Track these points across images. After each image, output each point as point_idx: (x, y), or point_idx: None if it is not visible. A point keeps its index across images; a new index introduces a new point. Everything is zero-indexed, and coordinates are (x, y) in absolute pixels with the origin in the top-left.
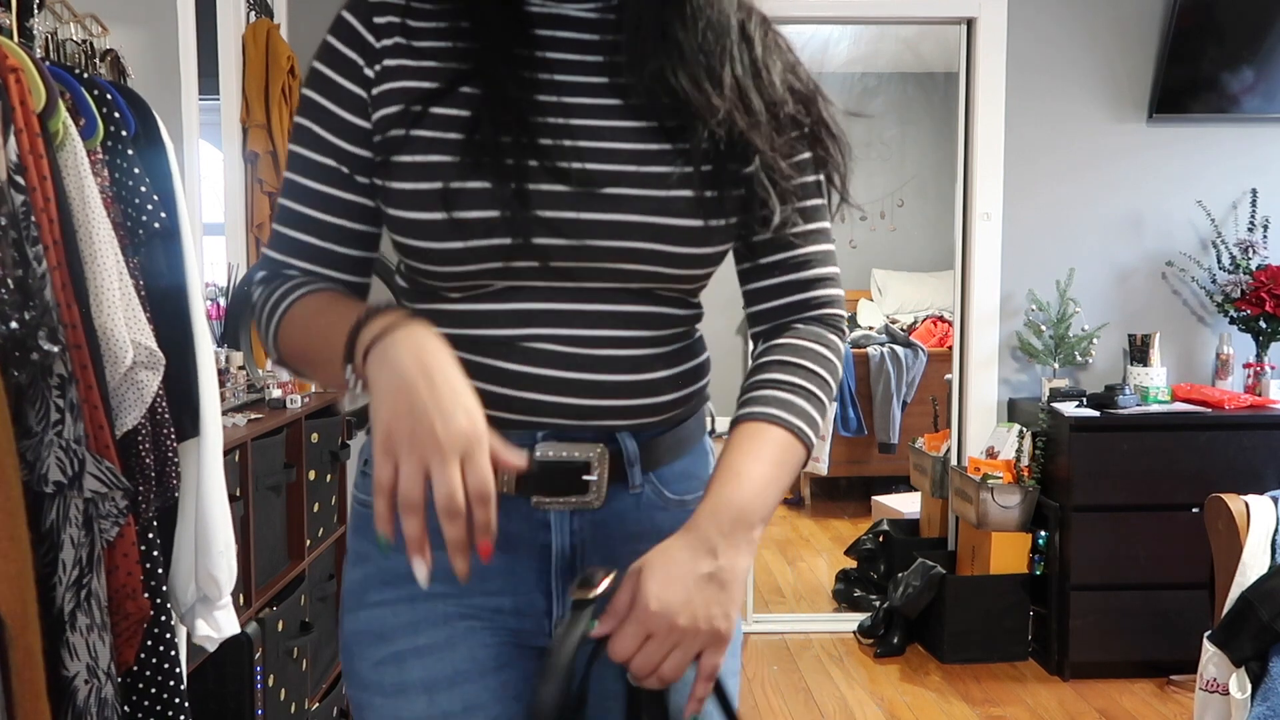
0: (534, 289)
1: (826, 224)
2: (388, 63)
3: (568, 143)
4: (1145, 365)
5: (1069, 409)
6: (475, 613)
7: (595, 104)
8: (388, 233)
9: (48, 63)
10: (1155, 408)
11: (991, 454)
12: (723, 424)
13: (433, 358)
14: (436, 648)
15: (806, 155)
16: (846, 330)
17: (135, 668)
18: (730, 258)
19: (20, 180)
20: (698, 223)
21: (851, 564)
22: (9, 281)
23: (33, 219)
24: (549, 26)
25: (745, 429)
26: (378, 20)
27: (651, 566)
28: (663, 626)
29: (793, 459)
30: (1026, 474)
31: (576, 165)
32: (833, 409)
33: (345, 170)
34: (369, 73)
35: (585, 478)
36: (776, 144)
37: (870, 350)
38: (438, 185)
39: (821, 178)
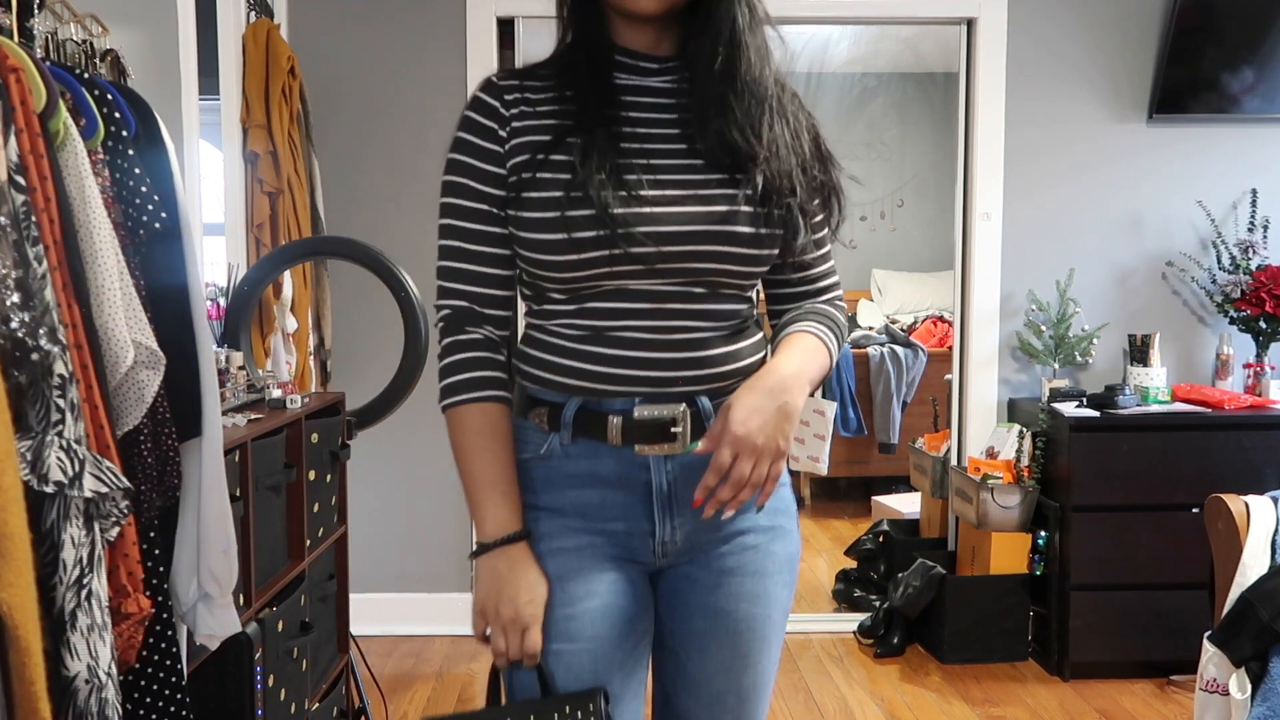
0: (626, 291)
1: (829, 248)
2: (515, 125)
3: (646, 177)
4: (1145, 365)
5: (1069, 409)
6: (598, 531)
7: (669, 148)
8: (520, 252)
9: (48, 63)
10: (1155, 408)
11: (991, 454)
12: None
13: (517, 564)
14: (568, 551)
15: (818, 199)
16: (846, 318)
17: (136, 666)
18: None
19: (21, 180)
20: (749, 230)
21: (851, 564)
22: (9, 281)
23: (33, 219)
24: (634, 94)
25: (784, 339)
26: (506, 96)
27: (735, 404)
28: (747, 446)
29: (820, 354)
30: (1026, 474)
31: (654, 193)
32: (837, 356)
33: (493, 210)
34: (503, 133)
35: (673, 429)
36: (802, 186)
37: (870, 350)
38: (557, 214)
39: (828, 211)
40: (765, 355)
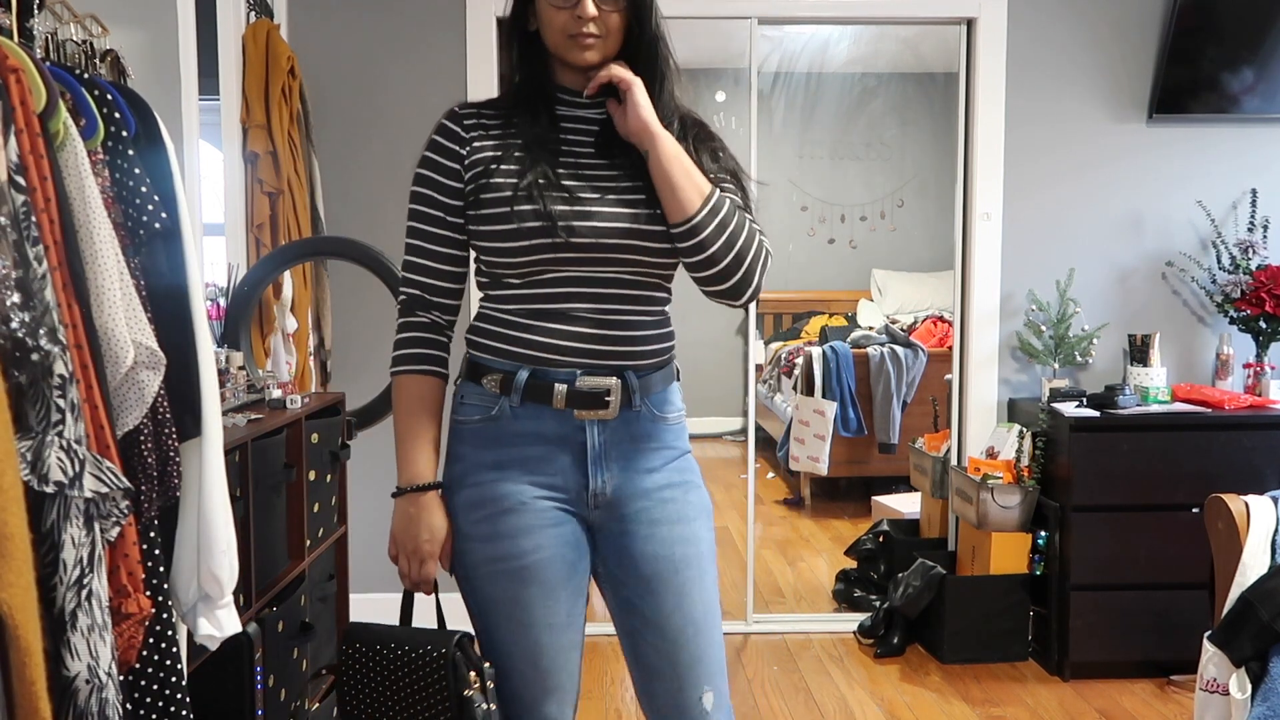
0: (569, 278)
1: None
2: (473, 144)
3: (576, 183)
4: (1145, 365)
5: (1069, 409)
6: (542, 485)
7: (597, 162)
8: (475, 244)
9: (48, 63)
10: (1155, 408)
11: (991, 454)
12: (723, 424)
13: (423, 508)
14: (516, 510)
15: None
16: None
17: (136, 666)
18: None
19: (21, 180)
20: (661, 228)
21: (851, 564)
22: (9, 281)
23: (33, 219)
24: (570, 122)
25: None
26: (466, 122)
27: (642, 101)
28: (627, 82)
29: (693, 171)
30: (1026, 474)
31: (586, 195)
32: (709, 206)
33: (448, 217)
34: (463, 152)
35: (606, 399)
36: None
37: (870, 350)
38: (507, 209)
39: (742, 203)
40: (673, 345)
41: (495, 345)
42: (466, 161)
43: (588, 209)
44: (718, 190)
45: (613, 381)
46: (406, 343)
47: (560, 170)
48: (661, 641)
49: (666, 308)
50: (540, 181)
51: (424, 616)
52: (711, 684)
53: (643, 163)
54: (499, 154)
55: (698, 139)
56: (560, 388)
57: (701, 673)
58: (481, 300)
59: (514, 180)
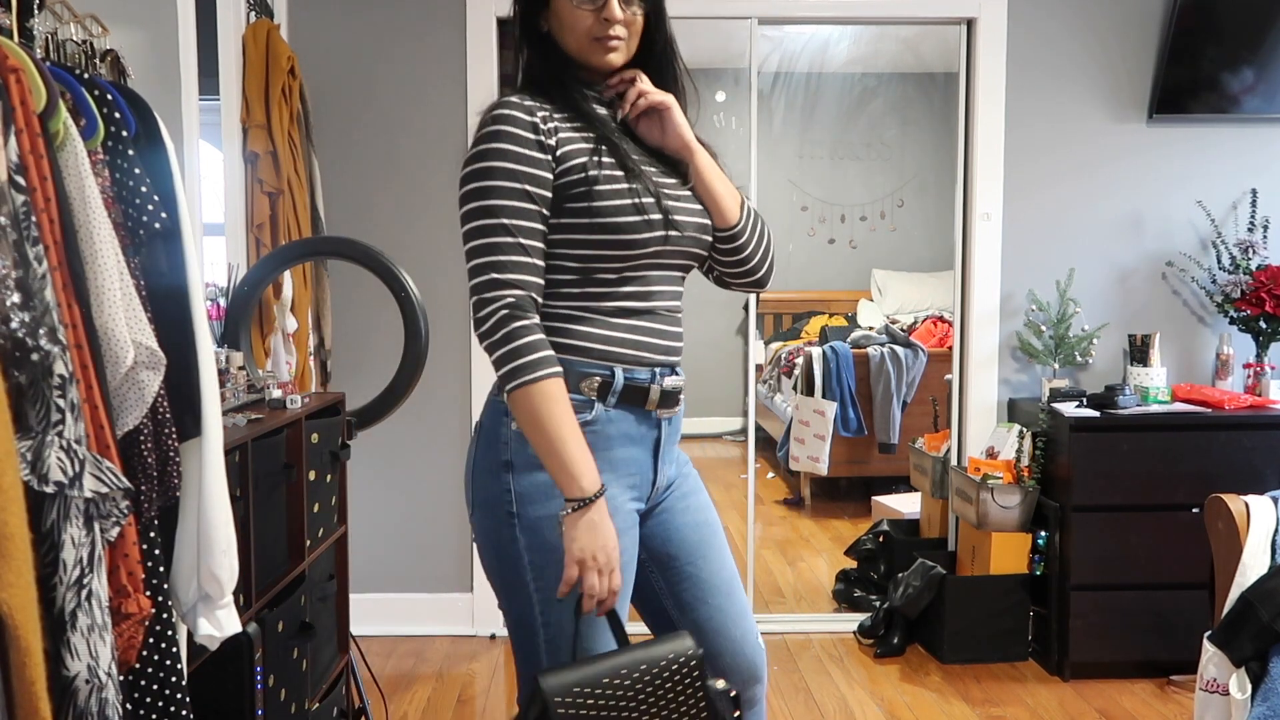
0: (659, 275)
1: None
2: (559, 136)
3: (664, 181)
4: (1145, 365)
5: (1069, 409)
6: (628, 486)
7: (649, 158)
8: (569, 238)
9: (48, 63)
10: (1155, 408)
11: (991, 454)
12: (723, 424)
13: (605, 515)
14: (618, 512)
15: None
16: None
17: (136, 666)
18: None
19: (21, 180)
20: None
21: (851, 564)
22: (9, 281)
23: (33, 219)
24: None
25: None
26: (540, 113)
27: (684, 127)
28: (665, 109)
29: (733, 192)
30: (1026, 474)
31: (674, 192)
32: (744, 211)
33: (543, 210)
34: (550, 142)
35: (680, 395)
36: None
37: (870, 350)
38: (631, 201)
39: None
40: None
41: (585, 346)
42: (559, 153)
43: (681, 205)
44: (738, 190)
45: (682, 379)
46: (534, 347)
47: (644, 167)
48: (721, 599)
49: None
50: (654, 178)
51: (426, 617)
52: (754, 628)
53: (673, 162)
54: (590, 147)
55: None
56: (655, 389)
57: (751, 619)
58: (568, 301)
59: (620, 174)
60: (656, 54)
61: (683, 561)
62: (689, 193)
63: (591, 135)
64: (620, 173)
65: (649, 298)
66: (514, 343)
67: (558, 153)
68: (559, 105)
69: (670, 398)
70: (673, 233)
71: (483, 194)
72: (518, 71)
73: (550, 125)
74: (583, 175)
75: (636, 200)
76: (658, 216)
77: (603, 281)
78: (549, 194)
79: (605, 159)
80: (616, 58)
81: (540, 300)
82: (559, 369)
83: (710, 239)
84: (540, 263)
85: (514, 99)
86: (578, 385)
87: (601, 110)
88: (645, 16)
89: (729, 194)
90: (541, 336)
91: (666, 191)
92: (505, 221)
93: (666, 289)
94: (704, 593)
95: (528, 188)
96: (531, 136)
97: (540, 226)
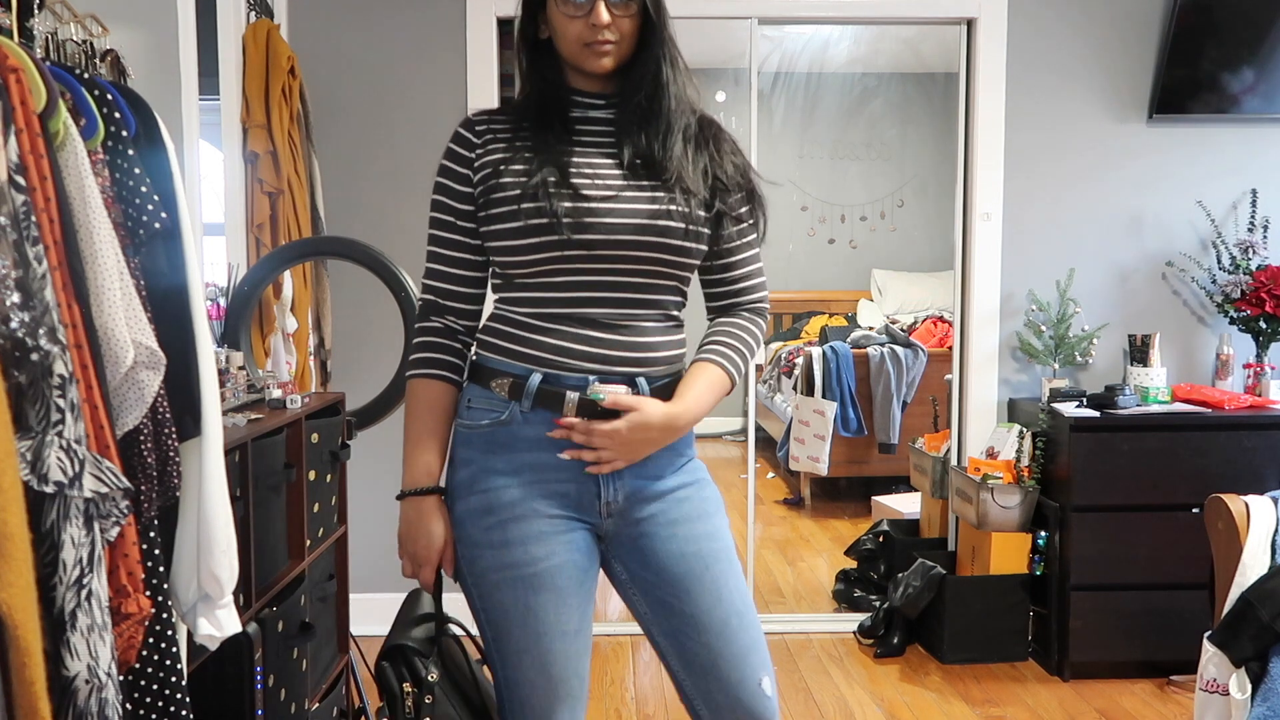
0: (581, 280)
1: (757, 251)
2: (482, 149)
3: (586, 182)
4: (1145, 365)
5: (1069, 409)
6: (552, 494)
7: (608, 161)
8: (487, 245)
9: (48, 63)
10: (1155, 408)
11: (991, 454)
12: (723, 424)
13: (423, 513)
14: (528, 516)
15: (745, 208)
16: (768, 314)
17: (136, 666)
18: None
19: (21, 180)
20: (680, 225)
21: (851, 564)
22: (9, 281)
23: (33, 219)
24: (582, 123)
25: (695, 366)
26: (477, 128)
27: (641, 417)
28: (618, 446)
29: (722, 384)
30: (1026, 474)
31: (596, 193)
32: (755, 360)
33: (460, 223)
34: (471, 156)
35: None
36: (730, 199)
37: (870, 350)
38: (514, 208)
39: (754, 220)
40: (686, 351)
41: (505, 346)
42: (476, 165)
43: (597, 206)
44: (730, 367)
45: (622, 389)
46: (420, 347)
47: (570, 170)
48: (711, 638)
49: (680, 314)
50: (549, 180)
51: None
52: (766, 670)
53: (657, 163)
54: (508, 156)
55: (716, 141)
56: (572, 397)
57: (756, 661)
58: (495, 303)
59: (522, 180)
60: (654, 53)
61: (662, 591)
62: (646, 183)
63: (526, 144)
64: (520, 180)
65: (581, 304)
66: (413, 341)
67: (476, 164)
68: (523, 114)
69: (593, 408)
70: (577, 235)
71: (430, 205)
72: (518, 78)
73: (485, 139)
74: (491, 183)
75: (521, 205)
76: (542, 221)
77: (521, 285)
78: (470, 206)
79: (513, 166)
80: (608, 61)
81: (449, 304)
82: (434, 370)
83: (659, 238)
84: (453, 270)
85: (469, 114)
86: (488, 383)
87: (580, 114)
88: (636, 18)
89: (722, 394)
90: (434, 339)
91: (589, 193)
92: (430, 231)
93: (611, 295)
94: (692, 629)
95: (445, 200)
96: (460, 151)
97: (454, 237)
